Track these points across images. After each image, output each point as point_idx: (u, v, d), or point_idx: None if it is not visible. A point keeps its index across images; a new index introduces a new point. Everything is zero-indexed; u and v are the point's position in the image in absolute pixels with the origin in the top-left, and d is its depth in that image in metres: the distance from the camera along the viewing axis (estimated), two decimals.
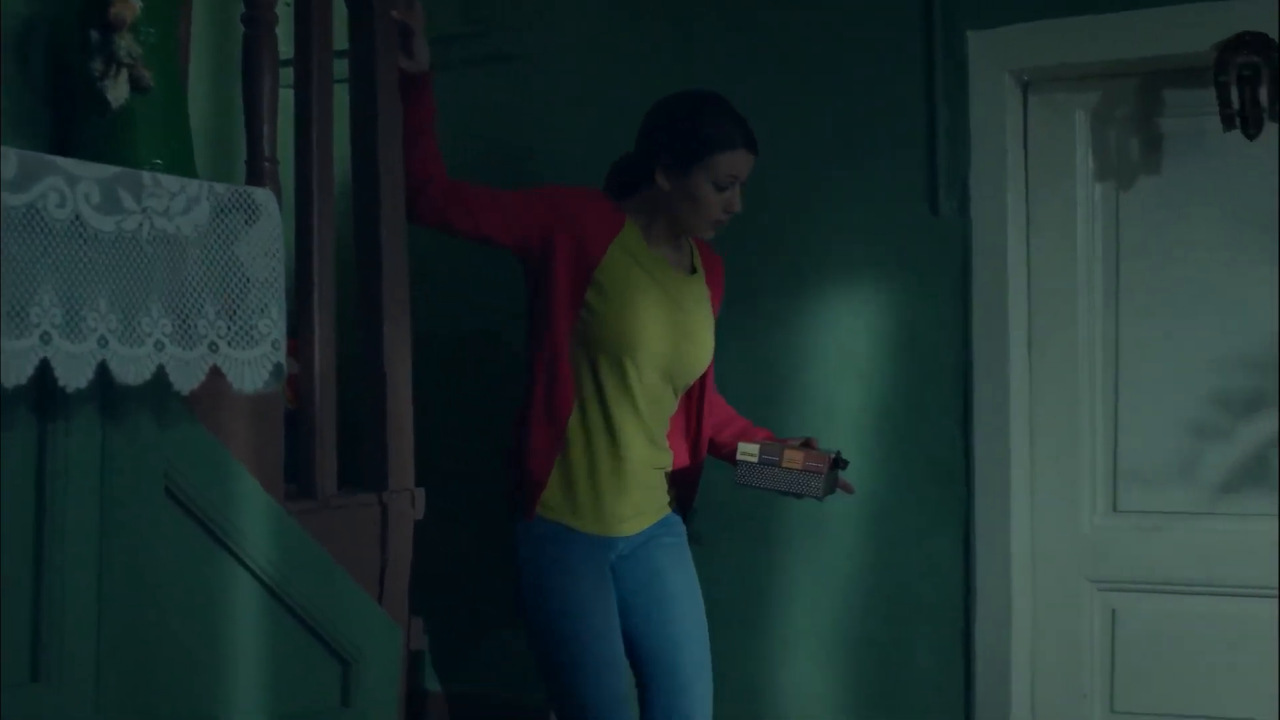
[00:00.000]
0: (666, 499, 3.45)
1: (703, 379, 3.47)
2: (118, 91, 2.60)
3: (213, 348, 2.44)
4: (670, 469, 3.45)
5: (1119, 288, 3.82)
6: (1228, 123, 3.56)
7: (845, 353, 3.95)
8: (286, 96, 3.02)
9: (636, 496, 3.36)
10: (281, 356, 2.54)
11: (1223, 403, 3.75)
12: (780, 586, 4.02)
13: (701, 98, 3.32)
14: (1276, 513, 3.69)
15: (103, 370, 2.33)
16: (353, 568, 2.99)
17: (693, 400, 3.48)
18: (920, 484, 3.85)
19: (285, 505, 2.86)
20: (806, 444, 3.40)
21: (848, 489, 3.48)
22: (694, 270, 3.46)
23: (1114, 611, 3.81)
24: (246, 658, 2.84)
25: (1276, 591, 3.67)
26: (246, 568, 2.80)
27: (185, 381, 2.41)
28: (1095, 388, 3.83)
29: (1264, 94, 3.54)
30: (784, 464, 3.32)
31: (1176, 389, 3.78)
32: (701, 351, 3.42)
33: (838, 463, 3.38)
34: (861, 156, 3.92)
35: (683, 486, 3.50)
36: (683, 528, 3.51)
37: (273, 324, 2.51)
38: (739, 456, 3.35)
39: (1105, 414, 3.82)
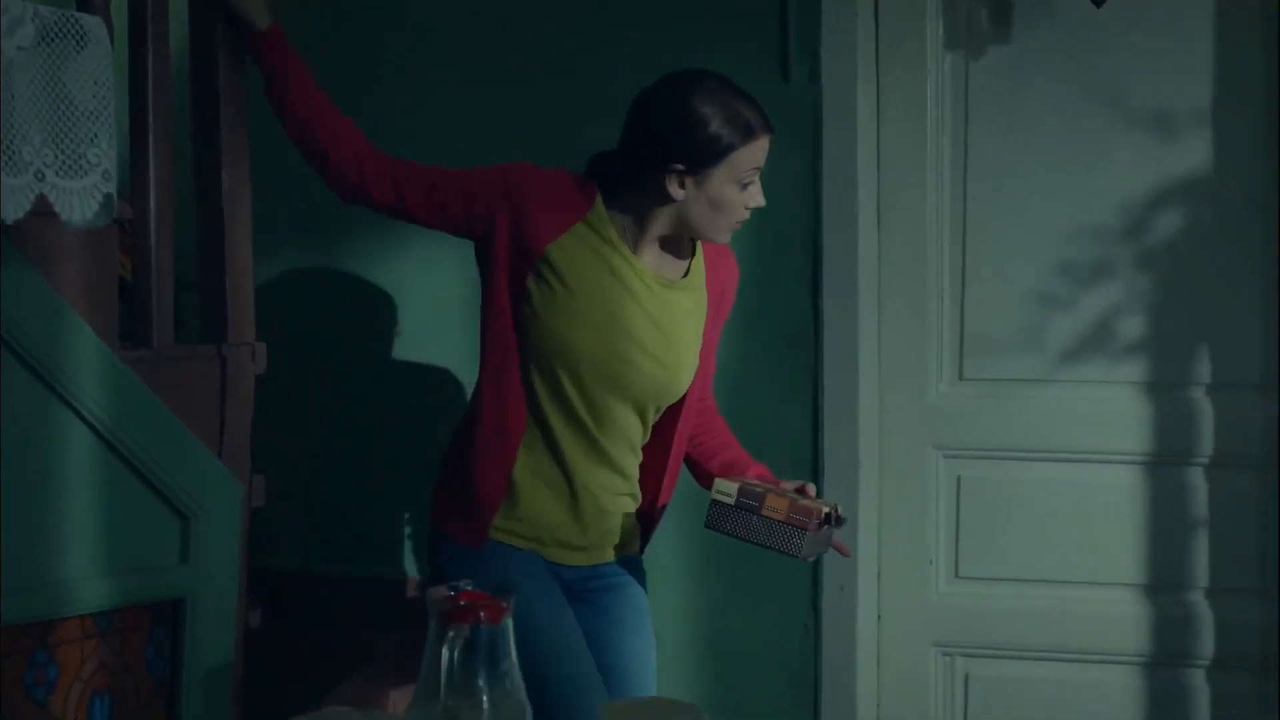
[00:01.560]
0: (633, 537, 3.09)
1: (678, 403, 3.04)
2: None
3: (39, 176, 2.35)
4: (638, 504, 3.08)
5: (968, 157, 3.83)
6: None
7: None
8: None
9: (591, 528, 2.99)
10: (112, 188, 2.46)
11: (1068, 272, 3.78)
12: None
13: (700, 84, 2.86)
14: (1120, 380, 3.75)
15: None
16: (192, 422, 2.91)
17: (663, 427, 3.05)
18: (771, 352, 3.84)
19: (120, 355, 2.78)
20: (800, 491, 2.97)
21: (842, 551, 3.07)
22: (687, 274, 3.01)
23: (959, 478, 3.84)
24: (82, 512, 2.77)
25: (1124, 457, 3.77)
26: (81, 418, 2.73)
27: (11, 209, 2.33)
28: (943, 256, 3.84)
29: None
30: (764, 512, 2.87)
31: (1023, 258, 3.80)
32: (676, 374, 2.96)
33: (830, 520, 2.93)
34: (712, 23, 3.88)
35: (643, 523, 3.13)
36: (643, 571, 3.17)
37: (102, 154, 2.42)
38: (714, 495, 2.91)
39: (953, 283, 3.84)
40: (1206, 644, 3.72)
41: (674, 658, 3.87)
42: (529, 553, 2.96)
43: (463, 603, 2.23)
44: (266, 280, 3.34)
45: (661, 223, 2.91)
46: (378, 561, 4.15)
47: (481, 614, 2.23)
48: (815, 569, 3.78)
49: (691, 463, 3.18)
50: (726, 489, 2.88)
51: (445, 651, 2.21)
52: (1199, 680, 3.74)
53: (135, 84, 2.92)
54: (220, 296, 3.02)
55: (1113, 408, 3.76)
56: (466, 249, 4.01)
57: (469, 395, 3.93)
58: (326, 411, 4.19)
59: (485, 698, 2.22)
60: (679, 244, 2.99)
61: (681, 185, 2.84)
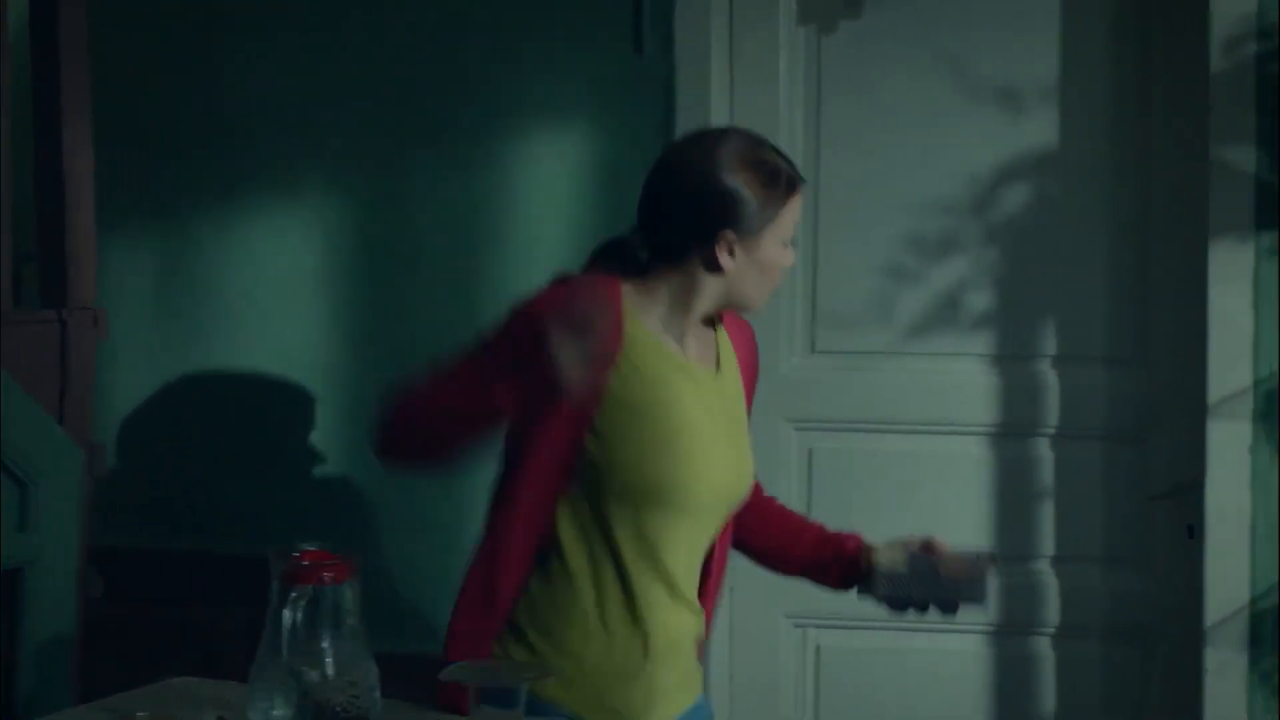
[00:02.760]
0: (697, 672, 2.70)
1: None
2: None
3: None
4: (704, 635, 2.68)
5: (819, 131, 3.85)
6: None
7: (548, 194, 3.91)
8: None
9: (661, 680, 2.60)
10: None
11: (918, 245, 3.81)
12: None
13: (734, 142, 2.57)
14: (968, 352, 3.79)
15: None
16: (30, 387, 2.85)
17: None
18: None
19: None
20: (927, 547, 2.63)
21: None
22: (718, 356, 2.65)
23: (811, 451, 3.86)
24: None
25: (973, 429, 3.82)
26: None
27: None
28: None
29: None
30: (943, 569, 2.57)
31: (874, 231, 3.83)
32: (743, 471, 2.64)
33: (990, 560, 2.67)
34: None
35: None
36: (710, 712, 2.77)
37: None
38: (880, 569, 2.59)
39: (804, 256, 3.85)
40: (1052, 612, 3.78)
41: None
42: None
43: (306, 563, 2.20)
44: (114, 245, 3.27)
45: (706, 300, 2.57)
46: (233, 538, 4.09)
47: (325, 574, 2.19)
48: None
49: (760, 551, 2.84)
50: (893, 559, 2.60)
51: (288, 613, 2.18)
52: (1045, 648, 3.79)
53: None
54: (60, 258, 2.96)
55: (962, 380, 3.80)
56: (322, 221, 3.98)
57: (316, 367, 3.90)
58: (178, 383, 4.12)
59: (330, 659, 2.19)
60: (705, 327, 2.65)
61: (731, 254, 2.53)
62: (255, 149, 4.08)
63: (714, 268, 2.53)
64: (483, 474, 3.70)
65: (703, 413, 2.54)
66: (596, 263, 2.64)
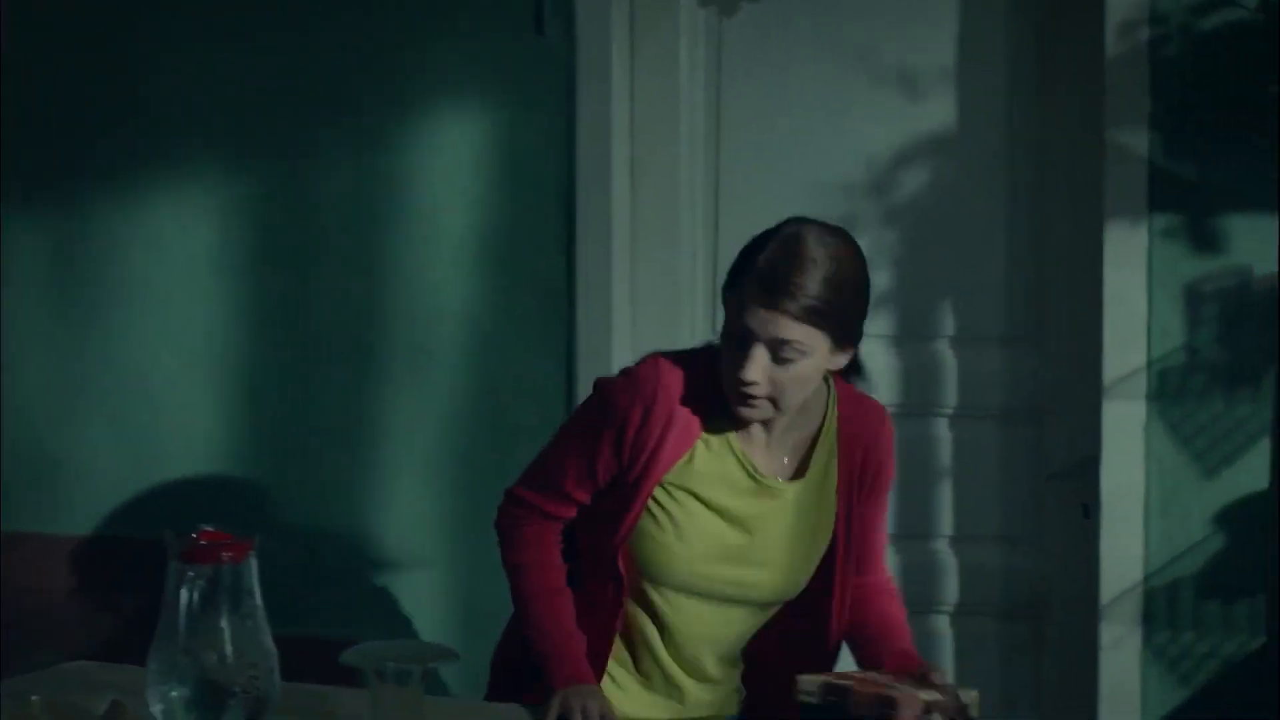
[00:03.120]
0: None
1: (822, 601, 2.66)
2: None
3: None
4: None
5: (720, 112, 3.86)
6: None
7: (449, 175, 3.89)
8: None
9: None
10: None
11: None
12: (381, 410, 3.95)
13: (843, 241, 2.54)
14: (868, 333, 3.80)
15: None
16: None
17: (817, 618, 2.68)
18: (523, 306, 3.83)
19: None
20: (924, 677, 2.45)
21: None
22: (809, 461, 2.62)
23: None
24: None
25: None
26: None
27: None
28: (696, 211, 3.87)
29: None
30: (853, 709, 2.37)
31: (775, 213, 3.79)
32: (776, 579, 2.61)
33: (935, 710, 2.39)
34: None
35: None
36: None
37: None
38: (798, 696, 2.42)
39: (705, 236, 3.87)
40: (950, 590, 3.81)
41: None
42: None
43: (203, 543, 2.18)
44: (10, 228, 3.21)
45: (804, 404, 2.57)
46: (130, 525, 4.04)
47: (224, 554, 2.17)
48: None
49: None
50: (809, 687, 2.42)
51: (185, 593, 2.15)
52: (943, 626, 3.83)
53: None
54: None
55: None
56: (222, 202, 3.95)
57: (217, 351, 3.87)
58: (76, 367, 4.08)
59: (228, 640, 2.17)
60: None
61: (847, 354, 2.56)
62: (154, 130, 4.03)
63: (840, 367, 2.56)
64: (384, 462, 3.71)
65: (746, 510, 2.56)
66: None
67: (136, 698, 2.17)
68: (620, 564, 2.56)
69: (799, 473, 2.61)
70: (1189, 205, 3.58)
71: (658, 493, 2.54)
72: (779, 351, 2.43)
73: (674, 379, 2.54)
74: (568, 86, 3.80)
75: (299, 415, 3.97)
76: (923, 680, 2.43)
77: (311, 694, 2.45)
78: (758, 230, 3.76)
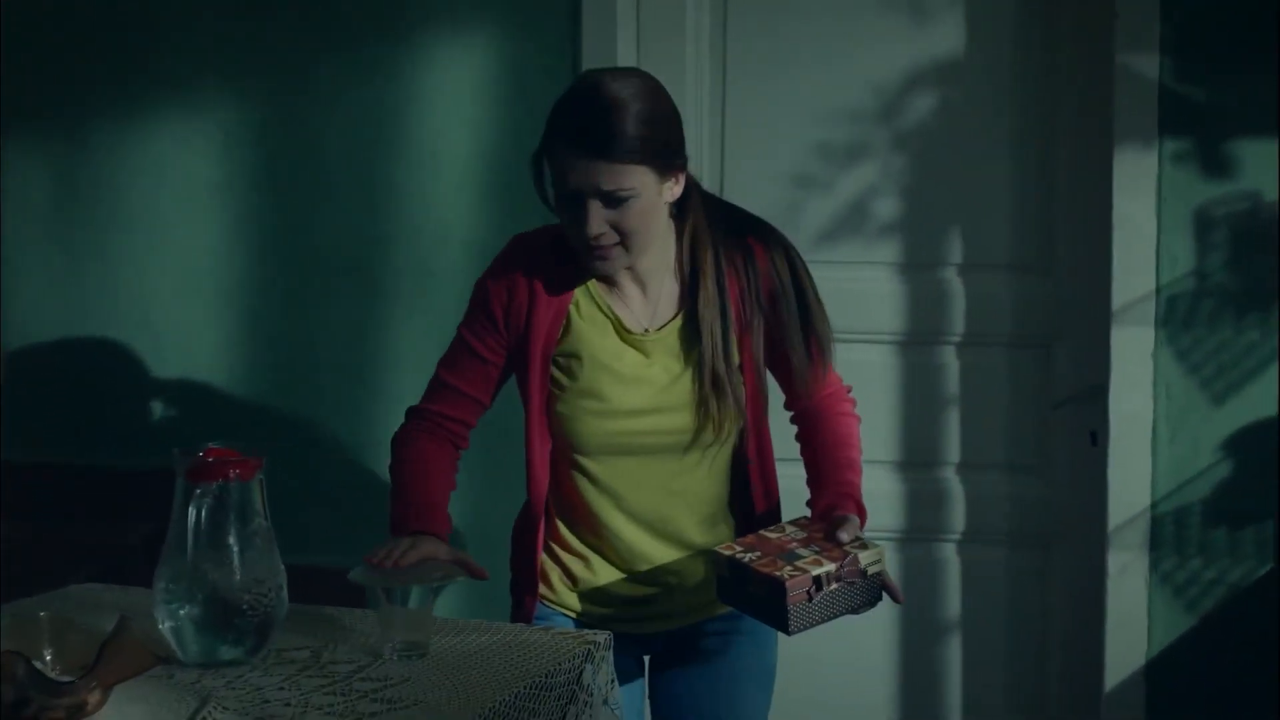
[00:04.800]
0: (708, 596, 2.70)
1: (745, 435, 2.70)
2: None
3: None
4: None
5: (726, 38, 3.83)
6: None
7: (452, 103, 3.86)
8: None
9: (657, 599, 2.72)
10: None
11: (825, 154, 3.80)
12: (384, 335, 3.93)
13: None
14: (875, 260, 3.80)
15: None
16: None
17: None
18: (526, 229, 3.80)
19: None
20: (831, 536, 2.54)
21: (895, 598, 2.56)
22: (678, 312, 2.64)
23: None
24: None
25: (879, 336, 3.83)
26: None
27: None
28: (703, 139, 3.84)
29: None
30: (752, 586, 2.48)
31: (782, 140, 3.82)
32: (672, 421, 2.63)
33: (830, 581, 2.47)
34: None
35: None
36: (742, 629, 2.77)
37: None
38: (712, 560, 2.58)
39: (711, 162, 3.84)
40: (958, 518, 3.81)
41: None
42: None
43: (210, 459, 2.16)
44: (11, 154, 3.18)
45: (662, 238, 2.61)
46: (135, 453, 4.03)
47: (232, 471, 2.16)
48: None
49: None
50: (717, 559, 2.54)
51: (193, 510, 2.14)
52: (950, 553, 3.82)
53: None
54: None
55: (868, 288, 3.80)
56: (223, 129, 3.93)
57: (218, 277, 3.86)
58: (77, 293, 4.06)
59: (236, 557, 2.16)
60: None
61: (681, 181, 2.59)
62: (156, 57, 4.01)
63: (669, 200, 2.57)
64: (388, 388, 3.68)
65: (625, 373, 2.61)
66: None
67: (145, 619, 2.16)
68: (544, 437, 2.63)
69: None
70: (1199, 130, 3.55)
71: (556, 366, 2.61)
72: (610, 198, 2.47)
73: (533, 252, 2.62)
74: (571, 10, 3.77)
75: (303, 340, 3.96)
76: (830, 538, 2.53)
77: (319, 614, 2.44)
78: (763, 155, 3.79)
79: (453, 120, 3.87)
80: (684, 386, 2.64)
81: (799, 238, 3.76)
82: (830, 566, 2.45)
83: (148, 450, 3.94)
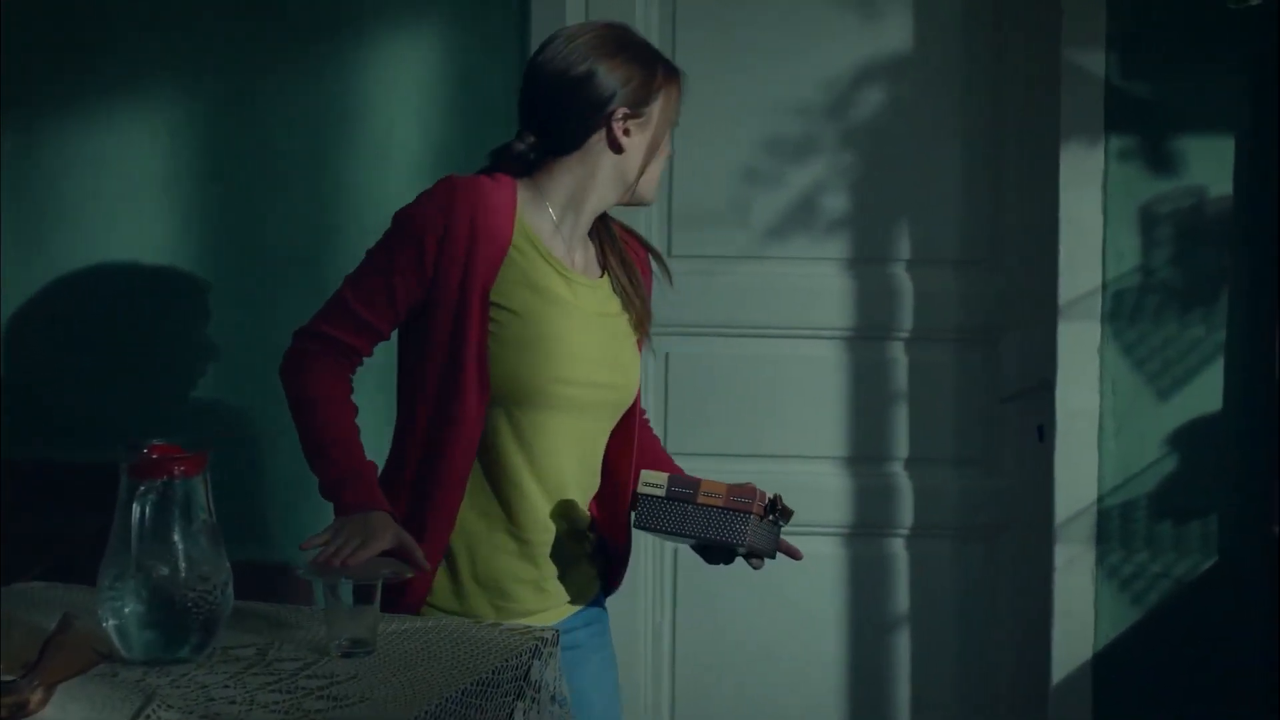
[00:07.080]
0: (592, 579, 2.74)
1: (632, 413, 2.72)
2: None
3: None
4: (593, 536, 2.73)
5: (675, 30, 3.83)
6: None
7: (400, 96, 3.84)
8: None
9: (547, 578, 2.65)
10: None
11: (774, 148, 3.81)
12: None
13: (609, 28, 2.67)
14: (824, 255, 3.80)
15: None
16: None
17: (621, 439, 2.72)
18: None
19: None
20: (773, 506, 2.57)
21: (794, 554, 2.65)
22: (603, 272, 2.70)
23: (667, 355, 3.85)
24: None
25: (828, 332, 3.84)
26: None
27: None
28: None
29: None
30: (700, 499, 2.50)
31: (731, 134, 3.82)
32: (619, 378, 2.66)
33: (775, 509, 2.55)
34: None
35: (613, 558, 2.77)
36: (607, 620, 2.80)
37: None
38: (640, 489, 2.54)
39: None
40: (906, 513, 3.82)
41: None
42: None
43: (155, 456, 2.15)
44: None
45: (602, 190, 2.63)
46: (79, 446, 4.00)
47: (176, 468, 2.15)
48: None
49: None
50: (654, 479, 2.53)
51: (136, 507, 2.13)
52: (899, 548, 3.84)
53: None
54: None
55: (817, 283, 3.81)
56: (170, 123, 3.90)
57: (164, 272, 3.83)
58: (20, 287, 4.02)
59: (181, 554, 2.14)
60: (589, 234, 2.71)
61: (627, 132, 2.60)
62: (102, 49, 3.97)
63: (615, 147, 2.60)
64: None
65: (579, 318, 2.59)
66: (489, 168, 2.65)
67: (90, 616, 2.15)
68: (484, 386, 2.53)
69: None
70: (1145, 126, 3.58)
71: (494, 311, 2.54)
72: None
73: (471, 192, 2.55)
74: (521, 6, 3.76)
75: (252, 335, 3.93)
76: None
77: (265, 611, 2.43)
78: (713, 150, 3.79)
79: (400, 112, 3.85)
80: (631, 343, 2.69)
81: (748, 232, 3.82)
82: (772, 496, 2.54)
83: (93, 443, 3.90)
